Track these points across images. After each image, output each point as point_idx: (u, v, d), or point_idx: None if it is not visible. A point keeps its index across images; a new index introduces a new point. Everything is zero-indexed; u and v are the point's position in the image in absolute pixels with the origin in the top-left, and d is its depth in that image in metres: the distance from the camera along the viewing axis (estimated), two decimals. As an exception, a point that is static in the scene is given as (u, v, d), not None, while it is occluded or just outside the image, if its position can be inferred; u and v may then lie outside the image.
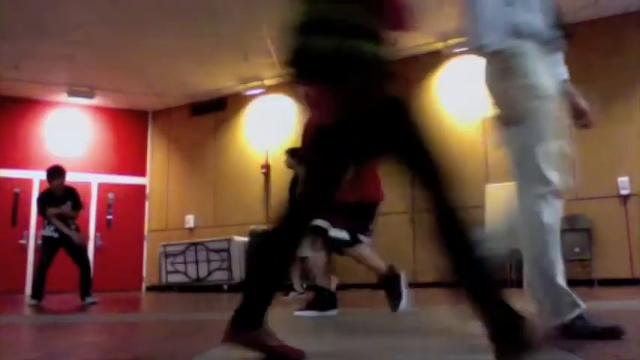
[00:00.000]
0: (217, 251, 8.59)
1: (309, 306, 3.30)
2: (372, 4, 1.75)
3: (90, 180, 9.55)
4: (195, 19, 7.07)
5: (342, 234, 3.25)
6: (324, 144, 1.82)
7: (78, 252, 5.91)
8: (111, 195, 9.62)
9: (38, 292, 5.79)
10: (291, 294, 6.26)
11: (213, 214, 9.67)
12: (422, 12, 7.56)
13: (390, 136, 1.73)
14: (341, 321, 3.02)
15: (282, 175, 9.02)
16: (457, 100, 7.96)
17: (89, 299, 5.71)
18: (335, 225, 3.24)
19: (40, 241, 9.12)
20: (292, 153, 5.92)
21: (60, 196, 5.97)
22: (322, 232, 3.22)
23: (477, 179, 7.57)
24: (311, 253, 3.42)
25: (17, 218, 9.28)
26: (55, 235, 5.87)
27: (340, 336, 2.27)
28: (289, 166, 5.99)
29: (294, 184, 5.39)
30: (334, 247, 3.31)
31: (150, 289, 9.75)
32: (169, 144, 10.35)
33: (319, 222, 3.20)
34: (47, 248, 5.89)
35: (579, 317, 1.88)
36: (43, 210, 5.94)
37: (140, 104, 10.20)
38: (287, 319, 3.18)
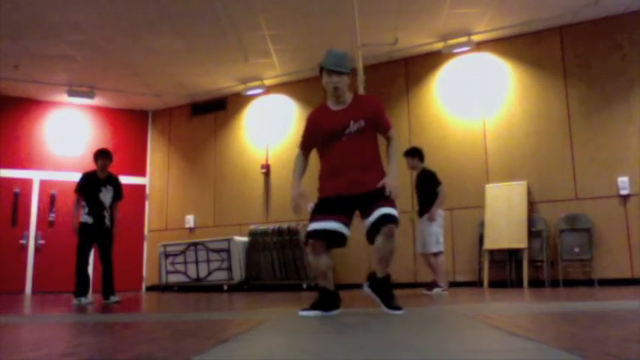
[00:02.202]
0: (217, 251, 8.59)
1: (313, 306, 3.29)
2: None
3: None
4: (195, 19, 7.07)
5: None
6: None
7: (106, 247, 5.78)
8: (111, 195, 9.61)
9: (82, 287, 5.55)
10: (435, 290, 6.01)
11: (213, 214, 9.67)
12: (422, 12, 7.58)
13: None
14: (344, 320, 3.02)
15: (282, 175, 9.03)
16: (457, 100, 7.97)
17: (113, 298, 5.67)
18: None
19: (41, 241, 9.23)
20: (413, 153, 6.34)
21: (102, 179, 5.89)
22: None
23: (477, 179, 7.58)
24: (311, 257, 3.38)
25: (17, 218, 9.28)
26: (90, 220, 5.71)
27: (340, 335, 2.27)
28: (412, 167, 6.36)
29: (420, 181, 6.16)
30: None
31: (150, 289, 9.75)
32: (169, 144, 10.35)
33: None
34: (82, 236, 5.70)
35: None
36: (79, 189, 5.82)
37: (140, 104, 10.21)
38: (291, 319, 3.18)
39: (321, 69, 3.31)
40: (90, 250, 5.78)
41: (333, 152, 3.27)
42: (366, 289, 3.27)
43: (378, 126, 3.34)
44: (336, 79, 3.24)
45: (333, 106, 3.35)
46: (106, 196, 5.85)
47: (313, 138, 3.40)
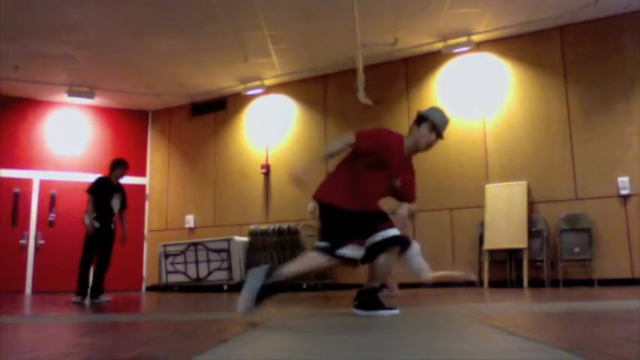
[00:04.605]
0: (217, 251, 8.59)
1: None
2: None
3: (90, 180, 9.49)
4: (195, 19, 7.07)
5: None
6: None
7: (106, 248, 5.96)
8: (111, 195, 9.62)
9: (83, 288, 5.76)
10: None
11: (213, 214, 9.67)
12: (422, 12, 7.56)
13: None
14: (344, 321, 3.02)
15: (282, 175, 9.03)
16: (457, 100, 7.97)
17: (104, 297, 5.81)
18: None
19: (41, 241, 9.24)
20: None
21: (114, 186, 6.16)
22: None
23: (477, 179, 7.58)
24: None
25: (17, 218, 9.28)
26: (96, 224, 5.90)
27: (340, 335, 2.27)
28: None
29: None
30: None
31: (150, 289, 9.75)
32: (169, 144, 10.35)
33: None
34: (90, 239, 5.89)
35: None
36: (93, 192, 5.98)
37: (140, 104, 10.21)
38: (291, 319, 3.18)
39: (425, 119, 3.27)
40: (93, 254, 5.93)
41: (377, 182, 3.18)
42: (357, 311, 3.24)
43: (407, 191, 3.32)
44: (435, 141, 3.30)
45: (407, 150, 3.30)
46: (115, 202, 6.09)
47: (373, 150, 3.15)
